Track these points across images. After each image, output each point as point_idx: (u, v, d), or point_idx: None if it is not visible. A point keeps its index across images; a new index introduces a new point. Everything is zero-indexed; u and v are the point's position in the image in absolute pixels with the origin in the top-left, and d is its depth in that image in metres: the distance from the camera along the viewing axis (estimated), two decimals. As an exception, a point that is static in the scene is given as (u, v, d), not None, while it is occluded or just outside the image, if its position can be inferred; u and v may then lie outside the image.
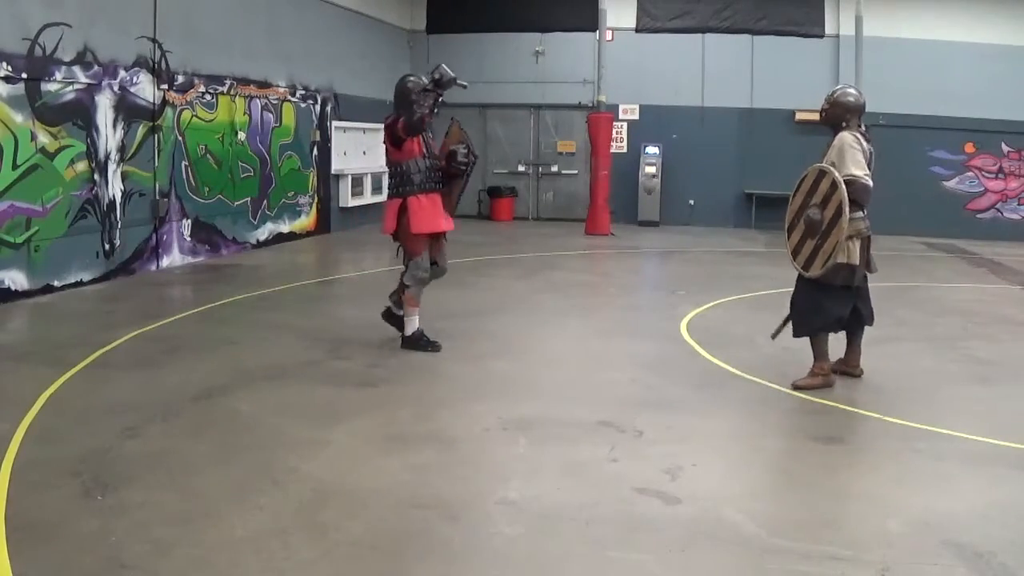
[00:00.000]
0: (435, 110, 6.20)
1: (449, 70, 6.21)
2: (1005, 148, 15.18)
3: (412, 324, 6.37)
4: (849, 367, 5.74)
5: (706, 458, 4.35)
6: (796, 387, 5.46)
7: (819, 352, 5.52)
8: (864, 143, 5.36)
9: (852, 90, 5.57)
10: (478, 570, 3.15)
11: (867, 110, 5.63)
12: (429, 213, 6.20)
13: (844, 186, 5.13)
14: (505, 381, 5.72)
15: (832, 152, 5.38)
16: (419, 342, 6.32)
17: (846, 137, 5.34)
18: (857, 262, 5.39)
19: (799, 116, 15.36)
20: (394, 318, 6.55)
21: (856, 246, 5.38)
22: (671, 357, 6.28)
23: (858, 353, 5.75)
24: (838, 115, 5.47)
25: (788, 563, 3.15)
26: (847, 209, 5.12)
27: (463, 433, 4.55)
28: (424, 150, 6.26)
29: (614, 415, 4.83)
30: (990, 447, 4.46)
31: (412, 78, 6.34)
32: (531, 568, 3.15)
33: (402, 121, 6.13)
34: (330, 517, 3.47)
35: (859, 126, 5.46)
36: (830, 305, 5.44)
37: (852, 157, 5.27)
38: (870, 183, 5.29)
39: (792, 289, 5.72)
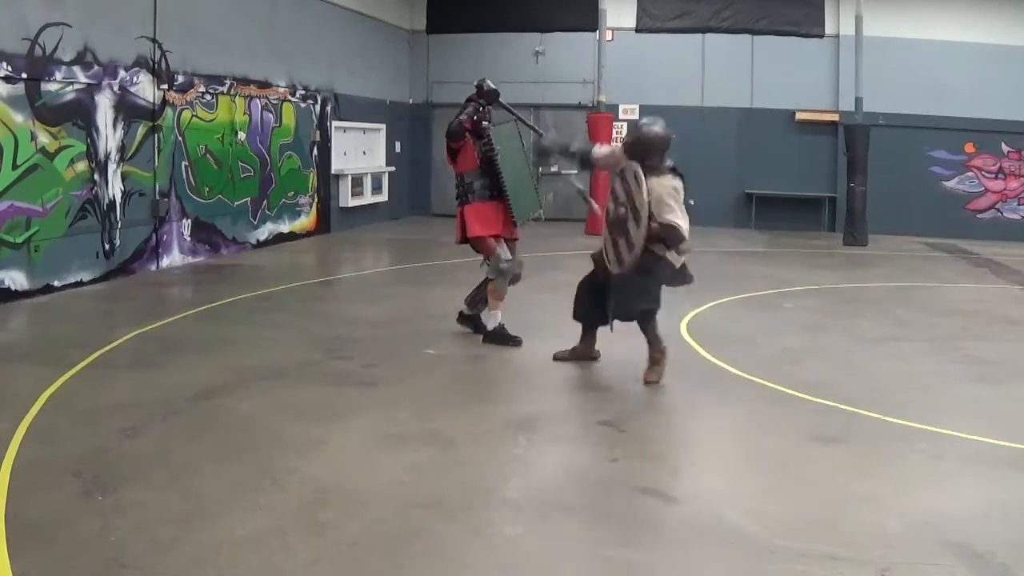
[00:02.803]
0: (478, 120, 6.35)
1: (491, 83, 6.50)
2: (1005, 148, 15.18)
3: (494, 319, 6.49)
4: (588, 354, 5.91)
5: (706, 458, 4.36)
6: (649, 382, 5.51)
7: (655, 335, 5.62)
8: (678, 183, 5.45)
9: (657, 127, 5.44)
10: (478, 570, 3.15)
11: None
12: (485, 217, 6.41)
13: (646, 201, 5.23)
14: (505, 381, 5.73)
15: (652, 197, 5.27)
16: (500, 337, 6.43)
17: (662, 186, 5.30)
18: (679, 266, 5.57)
19: (799, 116, 15.37)
20: (467, 319, 6.75)
21: (684, 260, 5.57)
22: (671, 357, 6.27)
23: (594, 341, 5.91)
24: (640, 152, 5.40)
25: (788, 563, 3.15)
26: (643, 223, 5.23)
27: (463, 433, 4.54)
28: (480, 160, 6.39)
29: (614, 415, 4.82)
30: (990, 447, 4.46)
31: (479, 84, 6.56)
32: (531, 568, 3.15)
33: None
34: (330, 517, 3.47)
35: (663, 162, 5.41)
36: (655, 289, 5.56)
37: (671, 204, 5.32)
38: (686, 234, 5.39)
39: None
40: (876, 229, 14.18)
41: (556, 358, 5.97)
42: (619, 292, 5.59)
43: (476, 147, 6.41)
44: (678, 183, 5.43)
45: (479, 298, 6.73)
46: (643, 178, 5.25)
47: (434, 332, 6.80)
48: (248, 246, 11.47)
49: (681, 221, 5.35)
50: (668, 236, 5.34)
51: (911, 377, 5.90)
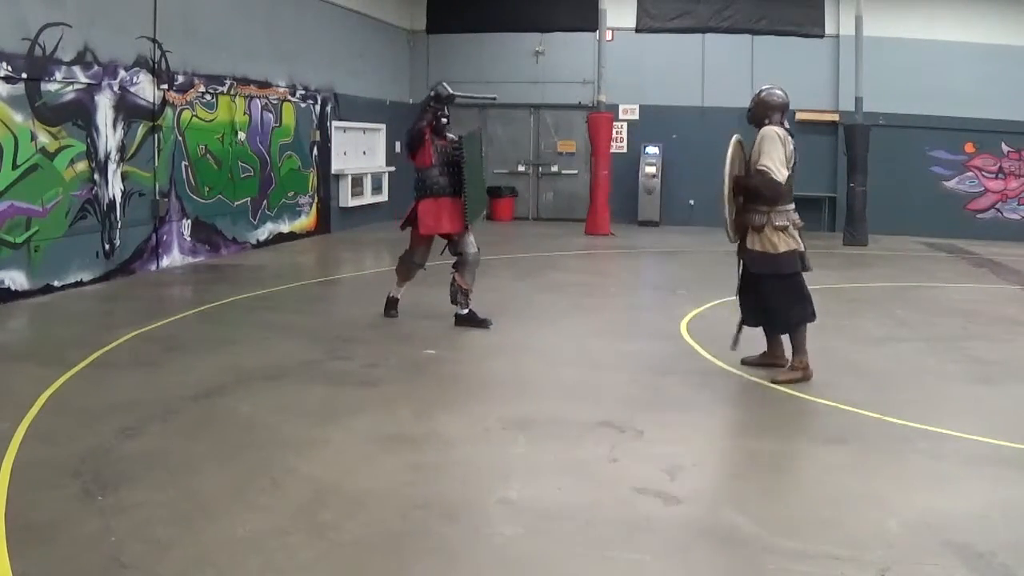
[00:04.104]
0: (436, 123, 6.87)
1: (448, 88, 6.96)
2: (1005, 148, 15.18)
3: (395, 290, 7.28)
4: (774, 358, 5.82)
5: (706, 458, 4.35)
6: (776, 382, 5.53)
7: (800, 345, 5.60)
8: (788, 138, 5.59)
9: (777, 90, 5.79)
10: (478, 570, 3.15)
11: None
12: (435, 215, 6.86)
13: (729, 169, 5.50)
14: (505, 381, 5.72)
15: (755, 144, 5.59)
16: (390, 304, 7.28)
17: (768, 131, 5.56)
18: (802, 248, 5.58)
19: (799, 116, 15.35)
20: (464, 319, 7.02)
21: (797, 234, 5.58)
22: (671, 357, 6.28)
23: (780, 343, 5.84)
24: (761, 113, 5.72)
25: (788, 563, 3.15)
26: (727, 190, 5.52)
27: (463, 433, 4.54)
28: (434, 160, 6.87)
29: (614, 415, 4.82)
30: (990, 447, 4.46)
31: (434, 90, 7.01)
32: (531, 568, 3.15)
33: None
34: (330, 517, 3.47)
35: (782, 123, 5.66)
36: (803, 294, 5.60)
37: (769, 150, 5.47)
38: (779, 178, 5.43)
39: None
40: (876, 229, 14.17)
41: (744, 362, 5.91)
42: (772, 304, 5.63)
43: (434, 146, 6.86)
44: (784, 134, 5.57)
45: (456, 293, 7.01)
46: (732, 148, 5.56)
47: (434, 332, 6.80)
48: (248, 246, 11.47)
49: (775, 165, 5.43)
50: (761, 183, 5.44)
51: (911, 377, 5.90)
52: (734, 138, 5.65)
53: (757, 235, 5.56)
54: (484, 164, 7.31)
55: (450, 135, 6.99)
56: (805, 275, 5.67)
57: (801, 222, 5.65)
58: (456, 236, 6.97)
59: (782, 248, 5.49)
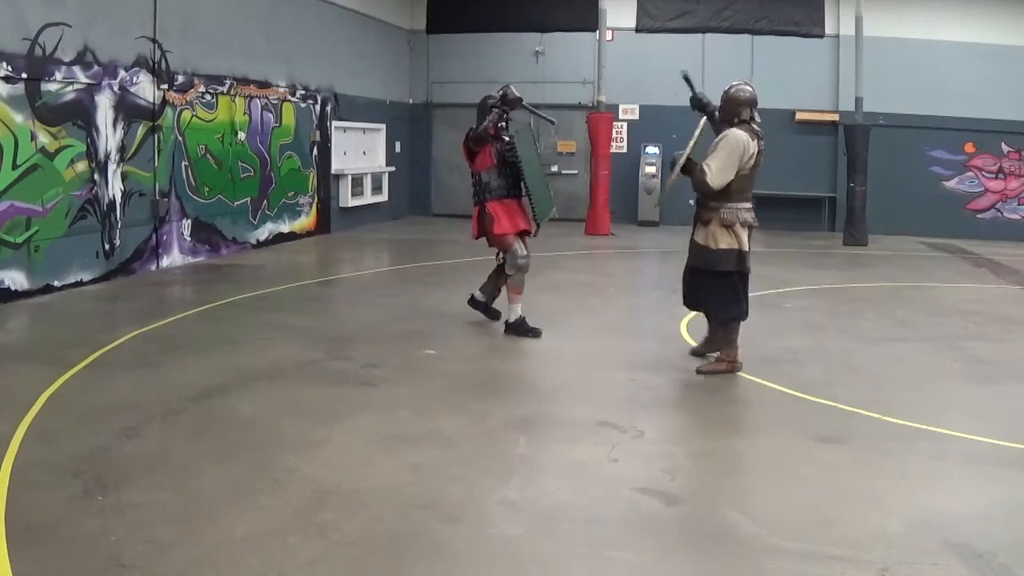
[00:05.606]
0: (502, 125, 6.80)
1: (516, 91, 6.86)
2: (1005, 148, 15.18)
3: (515, 312, 6.79)
4: (711, 349, 5.95)
5: (706, 458, 4.35)
6: (700, 372, 5.69)
7: (731, 341, 5.73)
8: (751, 143, 5.50)
9: (746, 86, 5.77)
10: (478, 570, 3.15)
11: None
12: (508, 215, 6.76)
13: (680, 164, 5.62)
14: (505, 381, 5.73)
15: (716, 139, 5.60)
16: (521, 328, 6.73)
17: (732, 135, 5.50)
18: (746, 248, 5.59)
19: (799, 116, 15.38)
20: (477, 304, 7.12)
21: (744, 234, 5.57)
22: (671, 357, 6.28)
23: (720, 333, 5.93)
24: (731, 109, 5.68)
25: (788, 563, 3.15)
26: (681, 162, 5.64)
27: (463, 433, 4.54)
28: (496, 161, 6.74)
29: (614, 415, 4.82)
30: (990, 447, 4.46)
31: (494, 94, 6.91)
32: (531, 568, 3.15)
33: (468, 133, 6.80)
34: (330, 517, 3.47)
35: (751, 119, 5.62)
36: (737, 293, 5.67)
37: (721, 154, 5.45)
38: (712, 184, 5.42)
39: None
40: (876, 229, 14.17)
41: (696, 359, 6.00)
42: (707, 299, 5.80)
43: (494, 148, 6.74)
44: (748, 140, 5.48)
45: (490, 288, 7.10)
46: (695, 134, 5.63)
47: (434, 332, 6.80)
48: (248, 246, 11.47)
49: (715, 171, 5.40)
50: (694, 180, 5.50)
51: (911, 377, 5.90)
52: (702, 121, 5.74)
53: (703, 228, 5.64)
54: (541, 162, 7.21)
55: (504, 136, 6.85)
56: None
57: (755, 222, 5.65)
58: (530, 235, 6.94)
59: (722, 245, 5.56)
